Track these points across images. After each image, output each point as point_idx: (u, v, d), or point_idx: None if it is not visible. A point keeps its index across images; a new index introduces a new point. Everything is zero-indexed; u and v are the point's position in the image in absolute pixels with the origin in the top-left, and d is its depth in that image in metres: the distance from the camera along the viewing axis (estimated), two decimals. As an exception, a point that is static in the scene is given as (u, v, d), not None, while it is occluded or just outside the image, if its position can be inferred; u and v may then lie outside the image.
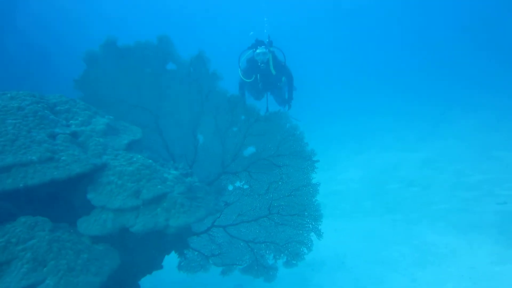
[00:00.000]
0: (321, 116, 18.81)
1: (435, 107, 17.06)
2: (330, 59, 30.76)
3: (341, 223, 8.11)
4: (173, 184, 3.42)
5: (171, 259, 4.90)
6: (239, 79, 6.29)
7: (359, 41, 32.38)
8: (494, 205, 7.78)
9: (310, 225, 4.57)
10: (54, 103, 3.62)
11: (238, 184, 4.69)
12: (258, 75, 6.06)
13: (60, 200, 3.41)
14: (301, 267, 6.27)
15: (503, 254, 5.78)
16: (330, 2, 31.16)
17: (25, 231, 2.80)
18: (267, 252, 4.67)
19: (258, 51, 5.98)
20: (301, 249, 4.60)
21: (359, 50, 31.49)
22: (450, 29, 29.10)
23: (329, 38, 33.22)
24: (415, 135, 13.84)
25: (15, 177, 2.90)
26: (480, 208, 7.76)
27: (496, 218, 7.11)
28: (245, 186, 4.68)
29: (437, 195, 8.90)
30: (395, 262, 6.12)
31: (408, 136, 13.88)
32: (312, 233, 4.59)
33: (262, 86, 6.20)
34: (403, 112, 17.55)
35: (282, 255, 4.64)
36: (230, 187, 4.70)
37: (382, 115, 17.74)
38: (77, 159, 3.18)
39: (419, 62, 26.70)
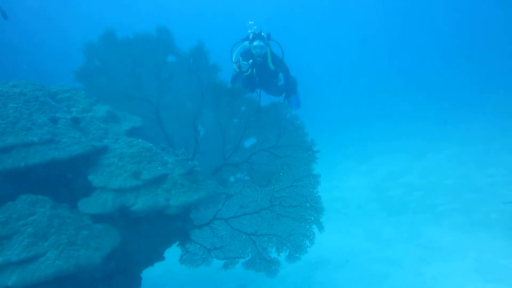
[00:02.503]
0: (325, 125, 18.75)
1: (439, 115, 16.98)
2: (333, 68, 30.75)
3: (345, 226, 8.02)
4: (174, 166, 3.43)
5: (174, 261, 4.84)
6: (233, 72, 5.99)
7: (363, 48, 32.28)
8: (501, 204, 7.69)
9: (312, 217, 4.53)
10: (55, 92, 3.68)
11: (239, 175, 4.69)
12: (255, 69, 5.76)
13: (62, 185, 3.43)
14: (306, 266, 6.22)
15: (510, 249, 5.69)
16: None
17: (26, 207, 2.80)
18: (269, 245, 4.61)
19: (255, 43, 5.66)
20: (304, 242, 4.54)
21: (362, 57, 31.42)
22: (455, 35, 29.09)
23: (330, 46, 33.10)
24: (419, 143, 13.67)
25: (16, 157, 2.93)
26: (486, 208, 7.67)
27: (503, 216, 7.03)
28: (246, 178, 4.68)
29: (442, 197, 8.80)
30: (399, 259, 6.02)
31: (412, 145, 13.72)
32: (314, 226, 4.54)
33: (259, 81, 5.88)
34: (407, 120, 17.44)
35: (284, 247, 4.58)
36: (232, 179, 4.70)
37: (386, 125, 17.64)
38: (78, 142, 3.21)
39: (424, 69, 26.66)
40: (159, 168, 3.32)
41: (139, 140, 3.50)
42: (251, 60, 5.64)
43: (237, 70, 5.81)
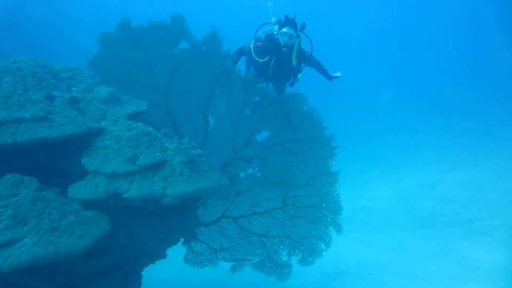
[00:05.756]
0: (353, 135, 18.01)
1: (478, 126, 15.84)
2: (361, 74, 29.71)
3: (368, 236, 7.48)
4: (174, 153, 3.16)
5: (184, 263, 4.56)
6: (247, 55, 5.21)
7: (396, 57, 31.10)
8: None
9: (329, 218, 4.14)
10: (57, 70, 3.52)
11: (250, 171, 4.37)
12: (274, 58, 4.93)
13: (56, 168, 3.23)
14: (323, 276, 5.77)
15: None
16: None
17: (9, 187, 2.60)
18: (281, 247, 4.26)
19: (284, 30, 4.82)
20: (319, 245, 4.15)
21: (394, 67, 30.26)
22: (494, 43, 27.37)
23: (365, 53, 32.01)
24: (457, 155, 12.65)
25: (4, 133, 2.74)
26: (536, 224, 6.89)
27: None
28: (258, 174, 4.35)
29: (481, 212, 8.01)
30: (428, 275, 5.46)
31: (449, 156, 12.75)
32: (331, 228, 4.14)
33: (272, 73, 5.02)
34: (441, 131, 16.37)
35: (297, 251, 4.21)
36: (242, 175, 4.38)
37: (420, 134, 16.64)
38: (73, 121, 3.00)
39: (461, 77, 25.22)
40: (158, 153, 3.05)
41: (139, 123, 3.26)
42: (267, 57, 4.96)
43: (252, 54, 5.00)
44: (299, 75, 5.41)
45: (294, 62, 5.11)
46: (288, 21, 4.92)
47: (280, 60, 5.04)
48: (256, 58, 4.95)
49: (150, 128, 3.23)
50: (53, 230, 2.49)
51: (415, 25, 31.04)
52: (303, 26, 5.07)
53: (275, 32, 5.09)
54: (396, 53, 31.41)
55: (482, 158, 11.48)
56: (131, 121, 3.25)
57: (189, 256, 4.40)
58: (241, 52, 5.21)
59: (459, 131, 15.53)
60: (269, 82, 5.34)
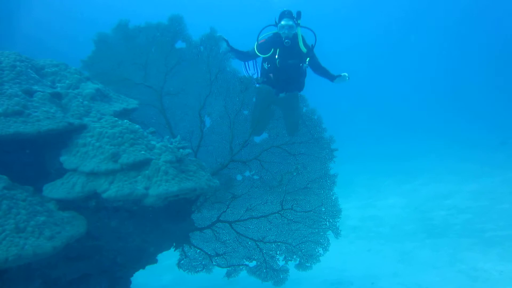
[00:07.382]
0: (365, 144, 17.53)
1: (494, 136, 15.31)
2: (376, 78, 29.09)
3: (375, 245, 7.18)
4: (161, 152, 2.96)
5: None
6: (252, 57, 4.85)
7: (409, 70, 30.49)
8: None
9: (327, 223, 3.94)
10: (42, 65, 3.37)
11: (247, 174, 4.17)
12: (278, 49, 4.61)
13: (37, 168, 3.06)
14: (324, 285, 5.50)
15: None
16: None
17: (-25, 185, 2.43)
18: (278, 252, 4.05)
19: (282, 23, 4.57)
20: (316, 250, 3.95)
21: (405, 82, 29.71)
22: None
23: (379, 59, 31.32)
24: (472, 166, 12.12)
25: (-27, 128, 2.57)
26: (550, 236, 6.53)
27: None
28: (256, 177, 4.14)
29: (494, 222, 7.66)
30: (434, 285, 5.15)
31: (464, 167, 12.25)
32: (329, 232, 3.91)
33: (280, 64, 4.61)
34: (461, 141, 15.84)
35: (294, 256, 4.00)
36: (239, 177, 4.18)
37: (435, 145, 16.11)
38: (51, 116, 2.83)
39: (478, 87, 24.55)
40: (142, 152, 2.86)
41: (125, 120, 3.08)
42: (272, 50, 4.61)
43: (256, 52, 4.65)
44: (308, 59, 4.82)
45: (303, 49, 4.71)
46: (283, 14, 4.67)
47: (286, 50, 4.68)
48: (259, 54, 4.61)
49: (137, 126, 3.05)
50: (18, 231, 2.31)
51: (432, 31, 30.54)
52: (299, 14, 4.75)
53: (276, 32, 4.74)
54: (416, 59, 30.78)
55: (498, 169, 11.05)
56: (116, 118, 3.07)
57: (182, 261, 4.20)
58: (245, 57, 4.88)
59: (474, 141, 15.02)
60: (282, 76, 4.76)
